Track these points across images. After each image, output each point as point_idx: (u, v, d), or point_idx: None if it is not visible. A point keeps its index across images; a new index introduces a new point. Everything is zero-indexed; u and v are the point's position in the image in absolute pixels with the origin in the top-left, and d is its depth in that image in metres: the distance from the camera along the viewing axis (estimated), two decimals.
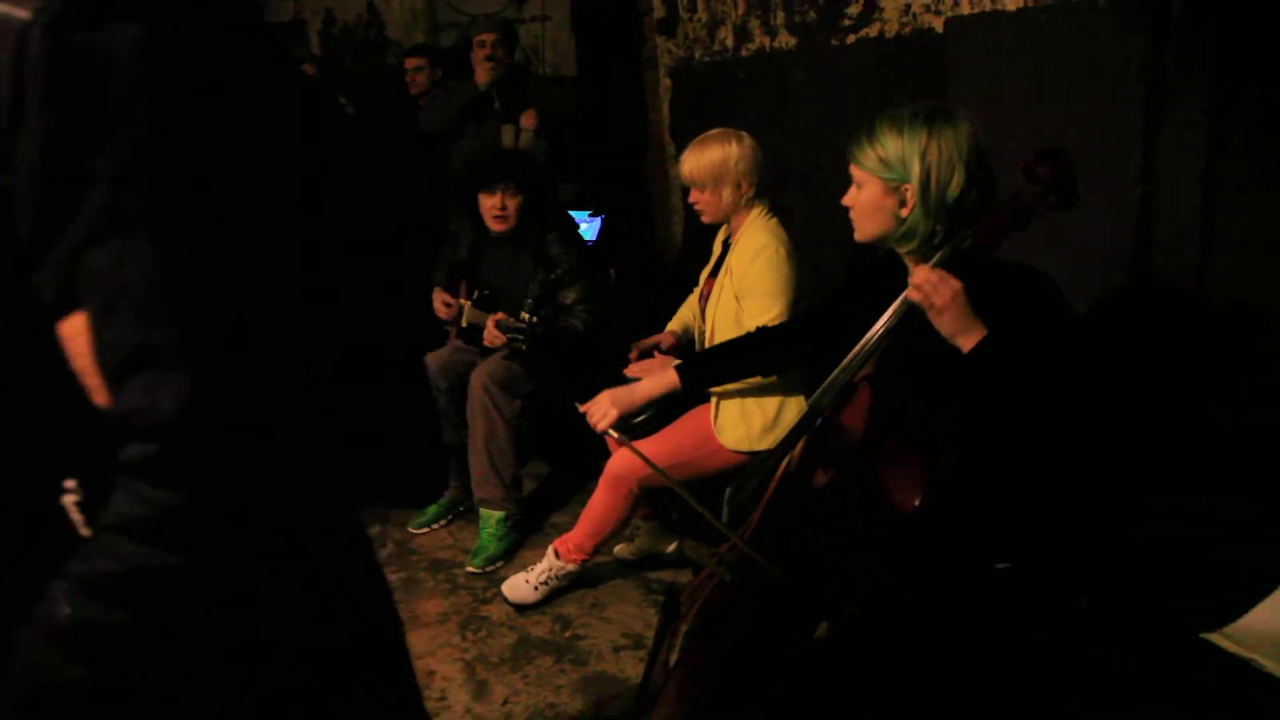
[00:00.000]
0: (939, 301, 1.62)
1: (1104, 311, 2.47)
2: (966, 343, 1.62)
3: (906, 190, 1.71)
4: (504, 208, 3.23)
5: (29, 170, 0.75)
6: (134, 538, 0.76)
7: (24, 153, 0.75)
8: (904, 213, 1.72)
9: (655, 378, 2.26)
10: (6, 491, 0.85)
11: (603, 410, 2.24)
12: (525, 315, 3.12)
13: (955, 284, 1.62)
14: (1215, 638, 1.93)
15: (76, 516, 0.83)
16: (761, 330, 2.28)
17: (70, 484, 0.83)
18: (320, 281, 1.01)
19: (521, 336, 3.09)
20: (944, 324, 1.64)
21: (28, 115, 0.74)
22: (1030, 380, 1.62)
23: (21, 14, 0.75)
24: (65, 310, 0.77)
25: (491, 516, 3.24)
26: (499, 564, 3.20)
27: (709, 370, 2.31)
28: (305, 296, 0.96)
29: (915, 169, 1.68)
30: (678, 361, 2.69)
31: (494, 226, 3.28)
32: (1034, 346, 1.61)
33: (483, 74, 4.01)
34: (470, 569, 3.17)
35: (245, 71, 0.92)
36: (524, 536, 3.35)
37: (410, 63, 4.41)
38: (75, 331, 0.77)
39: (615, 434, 2.20)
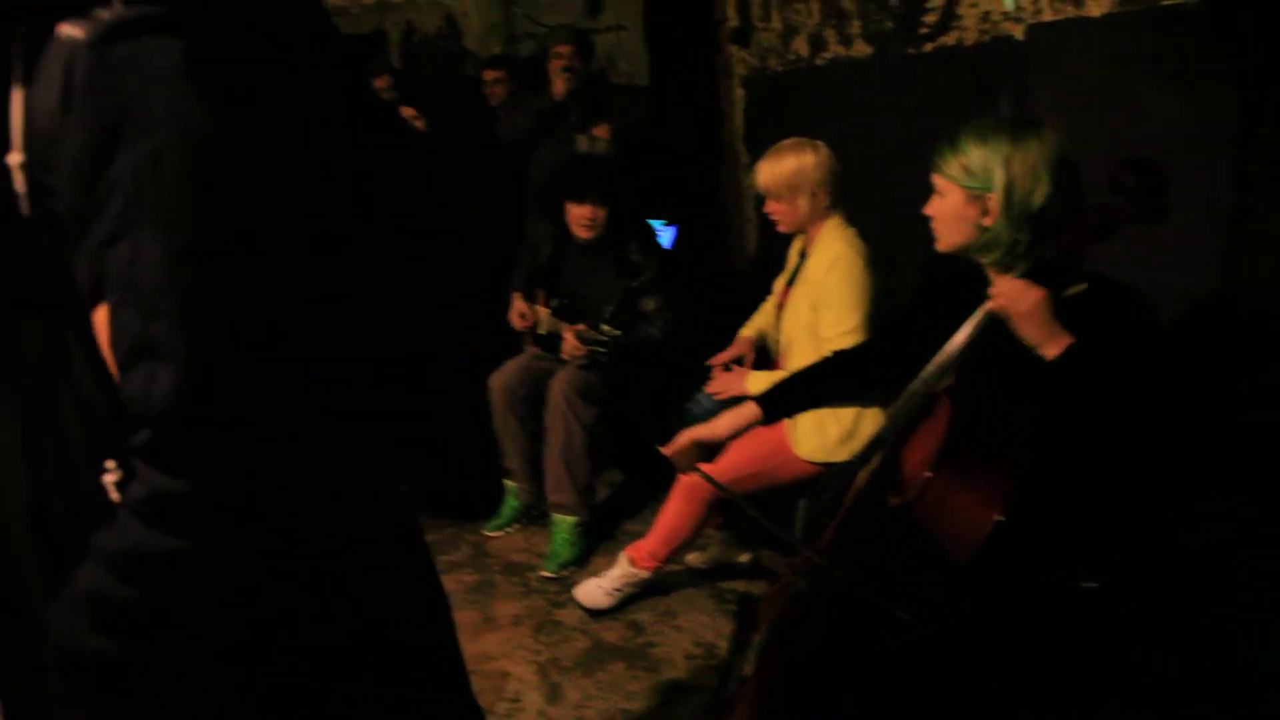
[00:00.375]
0: (1024, 308, 1.61)
1: (1196, 322, 2.40)
2: (1051, 350, 1.60)
3: (989, 199, 1.69)
4: (593, 218, 3.29)
5: (68, 171, 0.82)
6: (140, 518, 0.81)
7: (64, 156, 0.82)
8: (986, 222, 1.71)
9: (735, 412, 2.20)
10: (67, 468, 0.90)
11: (683, 445, 2.19)
12: (606, 327, 3.15)
13: (1039, 291, 1.61)
14: None
15: (114, 495, 0.88)
16: (839, 354, 2.24)
17: (110, 464, 0.88)
18: (358, 286, 1.04)
19: (604, 349, 3.13)
20: (1028, 332, 1.62)
21: (69, 122, 0.81)
22: (1114, 389, 1.59)
23: (78, 33, 0.83)
24: (97, 300, 0.83)
25: (565, 522, 3.29)
26: (572, 569, 3.24)
27: (789, 399, 2.24)
28: (333, 300, 0.98)
29: (998, 178, 1.67)
30: (753, 374, 2.70)
31: (582, 235, 3.33)
32: (1119, 357, 1.59)
33: (559, 85, 4.07)
34: (544, 574, 3.22)
35: (283, 80, 0.96)
36: (597, 543, 3.39)
37: (489, 75, 4.49)
38: (101, 321, 0.84)
39: (701, 474, 2.18)
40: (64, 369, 0.90)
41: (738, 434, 2.22)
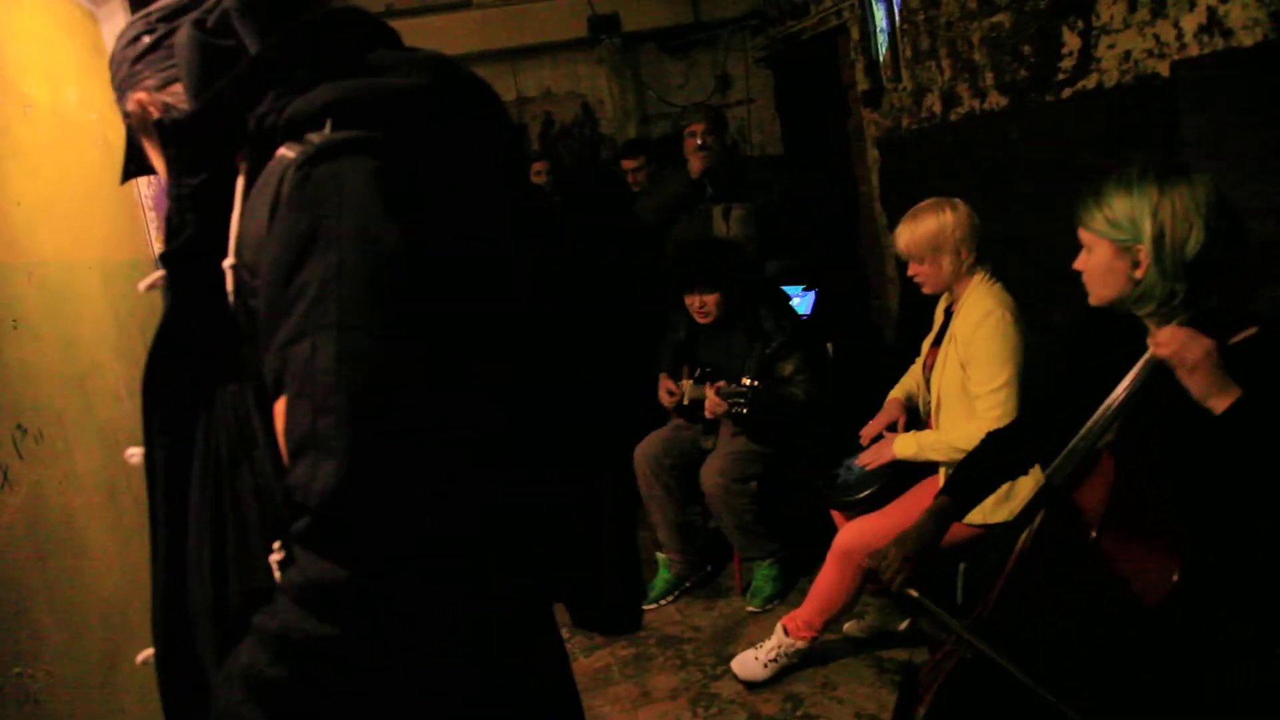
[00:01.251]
0: (1191, 358, 1.53)
1: None
2: (1220, 404, 1.52)
3: (1139, 251, 1.63)
4: (703, 305, 3.39)
5: (266, 274, 0.91)
6: (295, 602, 0.85)
7: (265, 261, 0.91)
8: (1138, 274, 1.64)
9: (932, 510, 2.06)
10: (244, 544, 0.97)
11: (894, 564, 2.04)
12: (745, 380, 3.19)
13: (1207, 341, 1.53)
14: None
15: (277, 575, 0.94)
16: (994, 435, 2.14)
17: (276, 545, 0.94)
18: (525, 381, 1.08)
19: (743, 400, 3.17)
20: (1195, 384, 1.54)
21: (273, 231, 0.91)
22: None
23: (291, 154, 0.93)
24: (279, 393, 0.90)
25: (760, 564, 3.44)
26: (775, 603, 3.38)
27: (972, 486, 2.10)
28: (499, 398, 1.02)
29: (1147, 228, 1.61)
30: (899, 437, 2.65)
31: (700, 320, 3.44)
32: None
33: (695, 163, 4.15)
34: (750, 609, 3.40)
35: (459, 183, 1.04)
36: (796, 577, 3.51)
37: (627, 164, 4.63)
38: (280, 412, 0.90)
39: (915, 593, 1.99)
40: (249, 452, 0.98)
41: (939, 534, 2.06)
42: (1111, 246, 1.67)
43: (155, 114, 1.05)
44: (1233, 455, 1.53)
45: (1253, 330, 1.60)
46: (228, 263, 0.96)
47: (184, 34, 1.01)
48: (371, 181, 0.91)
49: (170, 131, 1.02)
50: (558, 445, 1.14)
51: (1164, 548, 1.55)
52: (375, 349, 0.87)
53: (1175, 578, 1.51)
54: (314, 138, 0.94)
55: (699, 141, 4.18)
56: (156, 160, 1.09)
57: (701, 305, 3.40)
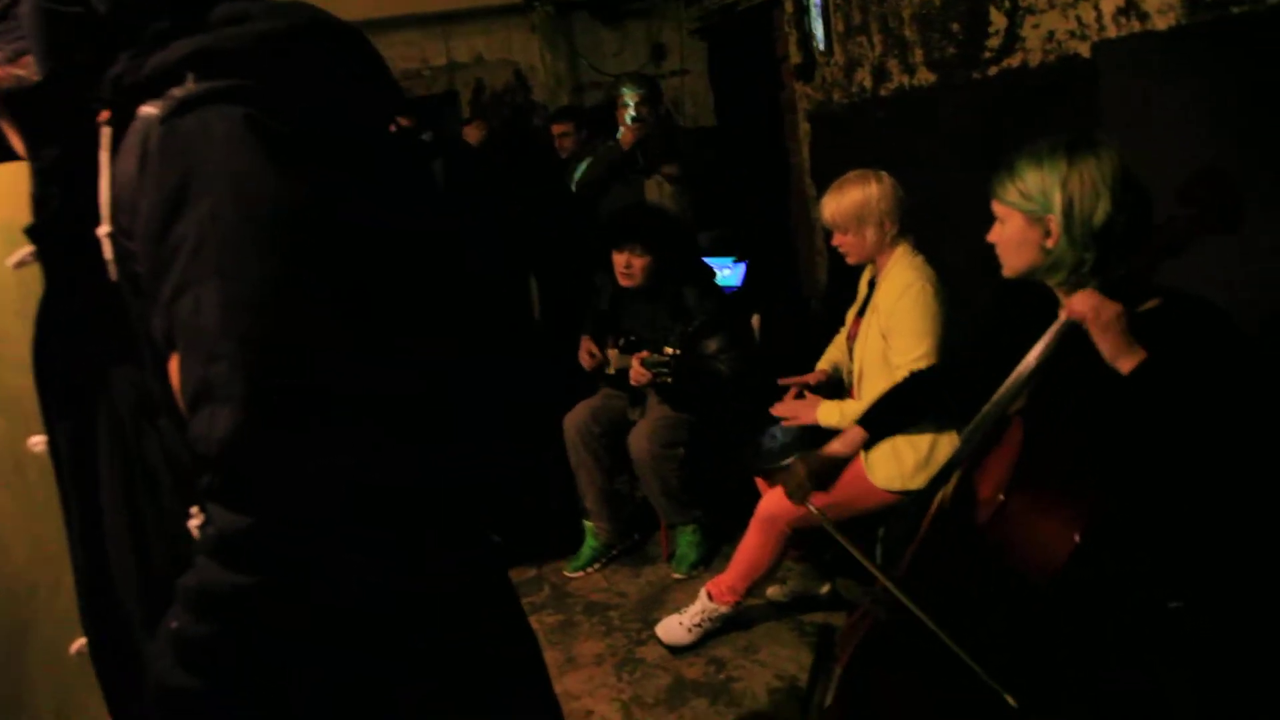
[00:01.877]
0: (1105, 318, 1.58)
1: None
2: (1127, 364, 1.58)
3: (1050, 221, 1.68)
4: (629, 266, 3.36)
5: (141, 235, 0.89)
6: (210, 555, 0.85)
7: (139, 221, 0.89)
8: (1049, 244, 1.70)
9: (844, 438, 2.30)
10: (160, 514, 0.96)
11: (799, 483, 2.29)
12: (668, 350, 3.20)
13: (1117, 305, 1.59)
14: None
15: (197, 538, 0.93)
16: (916, 376, 2.28)
17: (194, 509, 0.93)
18: (419, 326, 1.06)
19: (666, 369, 3.18)
20: (1107, 344, 1.60)
21: (143, 190, 0.89)
22: (1190, 404, 1.55)
23: (154, 110, 0.91)
24: (170, 352, 0.88)
25: (685, 528, 3.48)
26: (700, 569, 3.43)
27: (887, 419, 2.33)
28: (394, 339, 1.01)
29: (1057, 199, 1.66)
30: (823, 404, 2.69)
31: (622, 283, 3.43)
32: (1194, 371, 1.55)
33: (628, 134, 4.15)
34: (676, 575, 3.45)
35: (339, 130, 1.01)
36: (720, 543, 3.54)
37: (557, 128, 4.60)
38: (174, 371, 0.89)
39: (816, 509, 2.19)
40: (153, 421, 0.96)
41: (846, 460, 2.31)
42: (1023, 217, 1.72)
43: (5, 87, 1.00)
44: (1138, 414, 1.59)
45: (1156, 301, 1.66)
46: (103, 230, 0.93)
47: (28, 2, 0.96)
48: (241, 127, 0.89)
49: (19, 103, 0.97)
50: (506, 418, 1.13)
51: (1067, 510, 1.60)
52: (263, 296, 0.85)
53: (1077, 539, 1.57)
54: (177, 92, 0.91)
55: (633, 112, 4.18)
56: (13, 137, 1.03)
57: (628, 265, 3.36)
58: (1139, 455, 1.62)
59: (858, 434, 2.30)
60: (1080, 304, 1.62)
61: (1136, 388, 1.57)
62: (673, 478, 3.38)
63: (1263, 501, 1.67)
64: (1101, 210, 1.64)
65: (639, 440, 3.35)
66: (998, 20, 3.22)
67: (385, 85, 1.11)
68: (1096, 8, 2.76)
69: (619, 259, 3.38)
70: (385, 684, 1.00)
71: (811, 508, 2.20)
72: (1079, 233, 1.65)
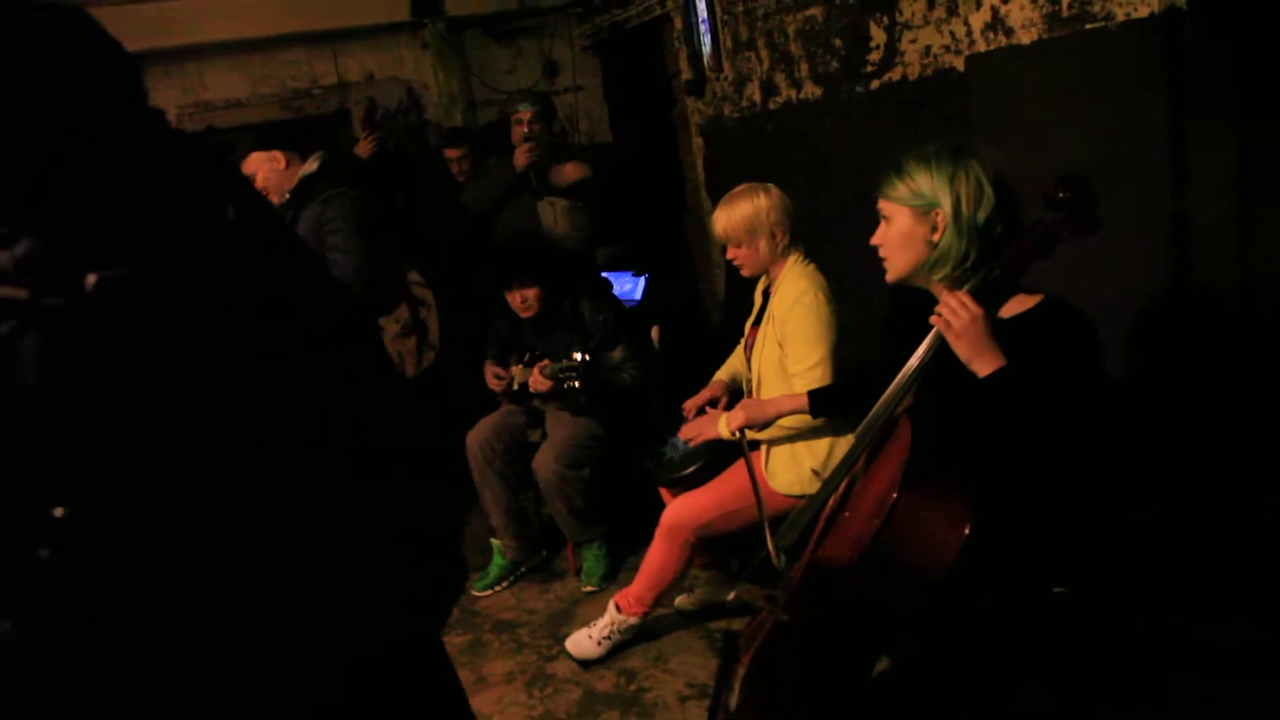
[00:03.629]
0: (956, 325, 1.66)
1: (1147, 327, 2.47)
2: (982, 369, 1.66)
3: (937, 215, 1.75)
4: (524, 300, 3.41)
5: None
6: None
7: None
8: (936, 238, 1.76)
9: (788, 397, 2.50)
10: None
11: (734, 415, 2.53)
12: (576, 354, 3.22)
13: (975, 310, 1.66)
14: None
15: None
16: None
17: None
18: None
19: (574, 373, 3.18)
20: (961, 349, 1.67)
21: None
22: (1038, 414, 1.64)
23: None
24: None
25: (589, 546, 3.48)
26: (609, 582, 3.45)
27: (833, 399, 2.44)
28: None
29: (946, 194, 1.74)
30: (724, 415, 2.74)
31: (521, 314, 3.46)
32: (1049, 383, 1.63)
33: (521, 156, 4.12)
34: (586, 589, 3.45)
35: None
36: (625, 556, 3.56)
37: (451, 153, 4.54)
38: None
39: (744, 435, 2.45)
40: None
41: (771, 420, 2.53)
42: (911, 213, 1.78)
43: None
44: (993, 416, 1.67)
45: (1036, 300, 1.74)
46: None
47: None
48: None
49: None
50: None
51: (956, 504, 1.66)
52: None
53: (966, 531, 1.63)
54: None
55: (525, 130, 4.17)
56: None
57: (523, 300, 3.41)
58: (1000, 451, 1.69)
59: (802, 400, 2.44)
60: (940, 311, 1.70)
61: (990, 390, 1.65)
62: (578, 498, 3.39)
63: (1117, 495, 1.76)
64: (985, 206, 1.72)
65: (544, 461, 3.34)
66: (878, 35, 3.33)
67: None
68: (967, 23, 2.89)
69: (513, 297, 3.42)
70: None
71: (743, 436, 2.52)
72: (965, 226, 1.73)
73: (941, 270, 1.79)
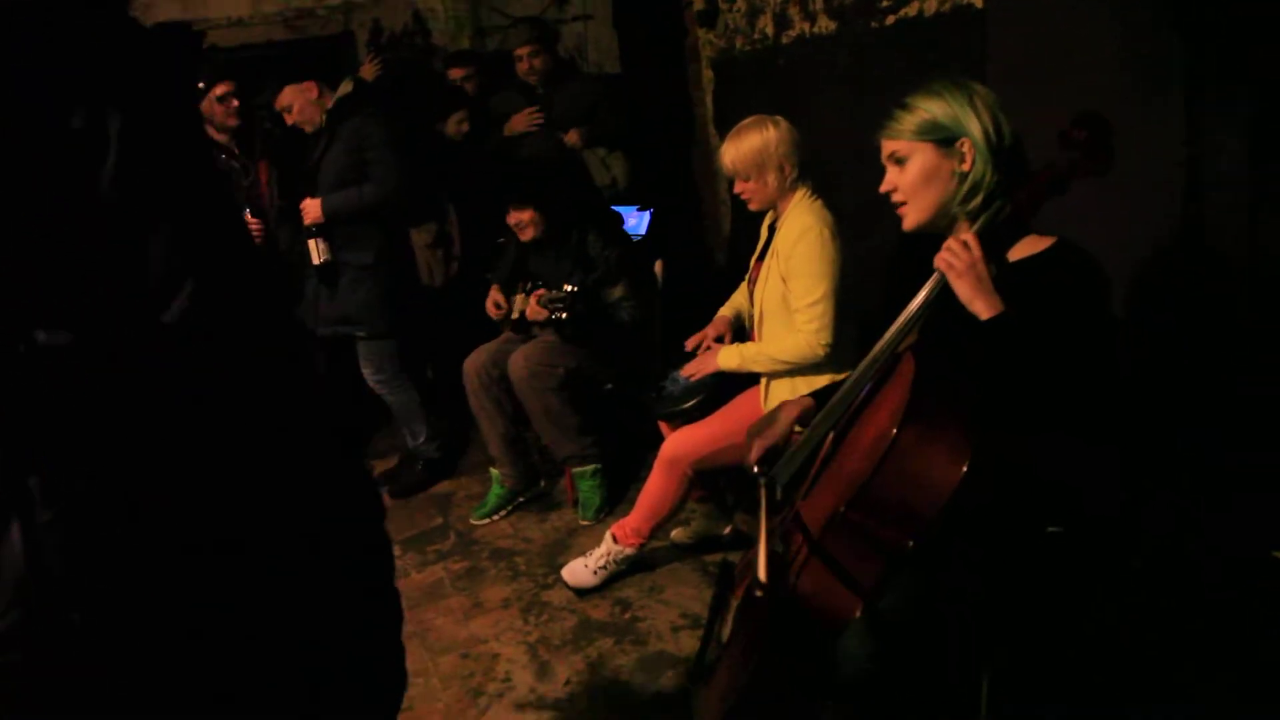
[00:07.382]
0: (958, 265, 1.64)
1: (1153, 277, 2.45)
2: (983, 311, 1.64)
3: (964, 144, 1.71)
4: (519, 223, 3.41)
5: None
6: None
7: None
8: (965, 167, 1.72)
9: (793, 402, 2.12)
10: None
11: (750, 453, 2.05)
12: (567, 286, 3.22)
13: (975, 253, 1.64)
14: None
15: None
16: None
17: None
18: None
19: (561, 304, 3.19)
20: (960, 290, 1.66)
21: None
22: (1035, 363, 1.62)
23: None
24: None
25: (583, 471, 3.45)
26: (605, 514, 3.44)
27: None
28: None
29: (971, 121, 1.70)
30: (722, 349, 2.73)
31: (520, 237, 3.46)
32: (1053, 329, 1.61)
33: (519, 123, 4.26)
34: (582, 521, 3.45)
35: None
36: (624, 487, 3.56)
37: (455, 73, 4.48)
38: None
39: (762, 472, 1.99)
40: None
41: (793, 421, 2.09)
42: (933, 148, 1.74)
43: None
44: (993, 360, 1.66)
45: (1048, 243, 1.71)
46: None
47: None
48: None
49: None
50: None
51: (954, 443, 1.66)
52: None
53: (964, 469, 1.63)
54: None
55: (526, 65, 4.20)
56: None
57: (518, 223, 3.41)
58: (1005, 392, 1.69)
59: (807, 403, 2.12)
60: (944, 250, 1.68)
61: (989, 333, 1.63)
62: (552, 396, 3.34)
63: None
64: (1007, 128, 1.70)
65: (517, 363, 3.35)
66: None
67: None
68: None
69: (510, 218, 3.43)
70: None
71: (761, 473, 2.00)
72: (996, 149, 1.70)
73: (974, 200, 1.73)
